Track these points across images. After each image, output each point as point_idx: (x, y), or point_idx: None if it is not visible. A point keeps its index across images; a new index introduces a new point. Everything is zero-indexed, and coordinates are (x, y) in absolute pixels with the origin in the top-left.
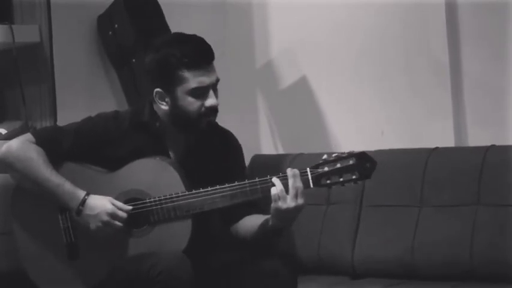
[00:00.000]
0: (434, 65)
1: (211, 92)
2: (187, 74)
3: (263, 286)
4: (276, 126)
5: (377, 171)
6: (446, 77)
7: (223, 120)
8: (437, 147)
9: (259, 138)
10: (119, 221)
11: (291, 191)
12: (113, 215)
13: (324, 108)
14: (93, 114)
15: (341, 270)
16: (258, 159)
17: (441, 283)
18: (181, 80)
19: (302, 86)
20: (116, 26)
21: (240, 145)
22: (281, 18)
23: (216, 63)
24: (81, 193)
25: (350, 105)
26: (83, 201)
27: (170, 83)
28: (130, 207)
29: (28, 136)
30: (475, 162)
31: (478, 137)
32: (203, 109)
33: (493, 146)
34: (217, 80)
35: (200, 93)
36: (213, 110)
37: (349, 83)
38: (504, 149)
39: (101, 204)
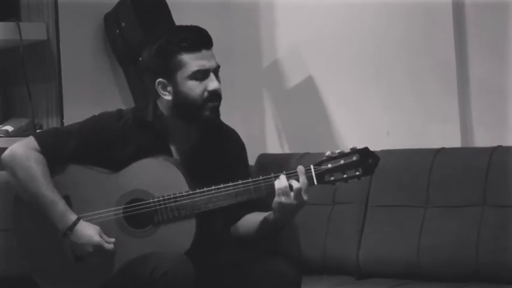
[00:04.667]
0: (441, 66)
1: (212, 76)
2: (186, 58)
3: (267, 285)
4: (282, 125)
5: (383, 172)
6: (452, 79)
7: (229, 119)
8: (443, 148)
9: (265, 137)
10: (104, 253)
11: (296, 187)
12: (98, 248)
13: (330, 107)
14: (99, 112)
15: (346, 270)
16: (264, 158)
17: (446, 284)
18: (181, 65)
19: (308, 86)
20: (123, 24)
21: (243, 143)
22: (287, 19)
23: (222, 63)
24: (72, 217)
25: (356, 104)
26: (72, 226)
27: (170, 70)
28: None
29: (32, 142)
30: (481, 162)
31: (484, 139)
32: (206, 93)
33: (499, 146)
34: (218, 66)
35: (201, 76)
36: (216, 95)
37: (355, 83)
38: (510, 150)
39: (88, 235)
